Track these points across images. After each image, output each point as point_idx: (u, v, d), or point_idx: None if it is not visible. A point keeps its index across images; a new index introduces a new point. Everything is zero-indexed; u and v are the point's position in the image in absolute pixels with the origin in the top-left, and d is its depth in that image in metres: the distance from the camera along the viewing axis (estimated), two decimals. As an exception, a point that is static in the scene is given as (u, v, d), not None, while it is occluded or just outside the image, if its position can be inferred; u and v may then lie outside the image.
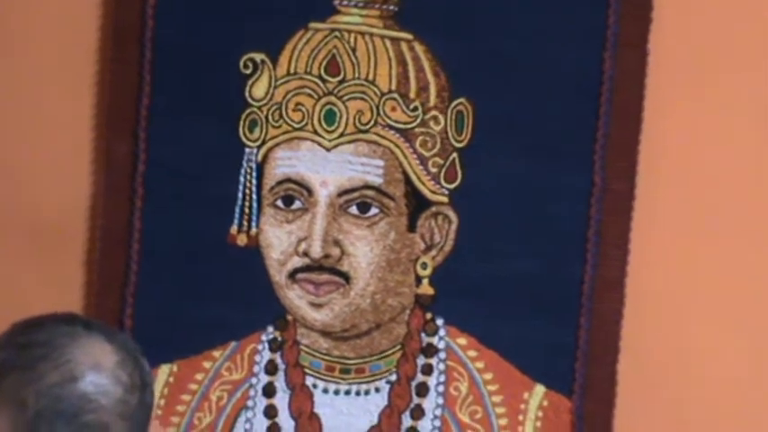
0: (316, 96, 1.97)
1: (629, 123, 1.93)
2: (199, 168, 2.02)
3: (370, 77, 1.96)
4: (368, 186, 1.98)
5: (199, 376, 2.03)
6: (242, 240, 2.00)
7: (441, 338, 2.01)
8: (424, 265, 1.99)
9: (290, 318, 2.01)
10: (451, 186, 1.96)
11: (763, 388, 2.03)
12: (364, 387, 2.03)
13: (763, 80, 1.97)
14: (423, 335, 2.01)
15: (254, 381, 2.03)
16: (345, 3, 1.95)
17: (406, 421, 2.00)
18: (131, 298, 2.00)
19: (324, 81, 1.97)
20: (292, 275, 2.00)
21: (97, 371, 1.30)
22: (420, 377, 2.00)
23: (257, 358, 2.04)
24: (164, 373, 2.00)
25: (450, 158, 1.96)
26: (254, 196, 2.01)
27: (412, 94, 1.96)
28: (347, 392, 2.03)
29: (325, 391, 2.01)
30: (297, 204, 1.99)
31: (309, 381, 2.02)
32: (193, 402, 2.04)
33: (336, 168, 1.99)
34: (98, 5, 1.99)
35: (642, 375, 2.00)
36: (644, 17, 1.90)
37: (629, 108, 1.94)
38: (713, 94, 1.98)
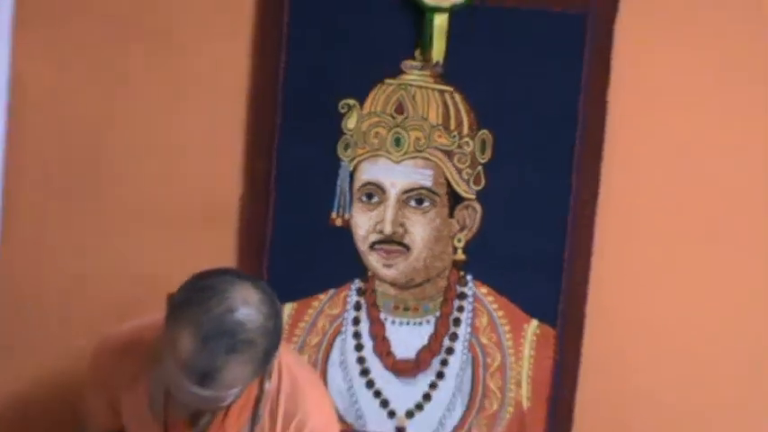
0: (388, 128, 2.48)
1: (595, 145, 2.45)
2: (311, 176, 2.51)
3: (425, 115, 2.47)
4: (422, 187, 2.48)
5: (310, 311, 2.54)
6: (339, 222, 2.50)
7: (469, 288, 2.52)
8: (459, 240, 2.50)
9: (370, 274, 2.52)
10: (478, 188, 2.47)
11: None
12: (418, 320, 2.54)
13: (684, 120, 2.46)
14: (457, 286, 2.52)
15: (346, 315, 2.54)
16: (409, 66, 2.46)
17: (446, 343, 2.52)
18: (267, 262, 2.51)
19: (393, 117, 2.47)
20: (372, 246, 2.51)
21: (247, 305, 1.81)
22: (455, 314, 2.52)
23: (348, 300, 2.54)
24: (288, 309, 2.51)
25: (477, 170, 2.47)
26: (347, 194, 2.50)
27: (452, 127, 2.46)
28: (407, 323, 2.54)
29: (393, 322, 2.53)
30: (375, 199, 2.49)
31: (382, 315, 2.54)
32: (306, 328, 2.55)
33: (401, 175, 2.49)
34: (247, 66, 2.48)
35: (604, 314, 2.49)
36: (605, 77, 2.42)
37: (596, 135, 2.45)
38: (654, 128, 2.47)
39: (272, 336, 1.86)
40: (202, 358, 1.77)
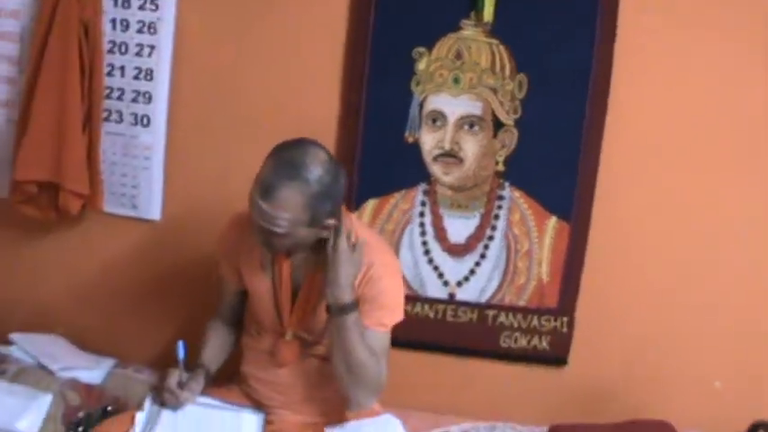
0: (449, 70, 2.80)
1: (604, 84, 2.77)
2: (391, 104, 2.82)
3: (477, 61, 2.78)
4: (474, 115, 2.81)
5: (388, 206, 2.90)
6: (410, 140, 2.85)
7: (506, 192, 2.87)
8: (500, 155, 2.84)
9: (433, 179, 2.85)
10: (515, 117, 2.81)
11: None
12: (468, 215, 2.89)
13: (672, 61, 2.78)
14: (497, 190, 2.86)
15: (415, 209, 2.89)
16: (466, 24, 2.78)
17: (488, 232, 2.90)
18: (358, 168, 2.85)
19: (453, 62, 2.78)
20: (435, 158, 2.85)
21: (316, 159, 2.18)
22: (495, 211, 2.88)
23: (416, 198, 2.88)
24: (370, 204, 2.88)
25: (515, 103, 2.81)
26: (417, 119, 2.82)
27: (497, 70, 2.78)
28: (459, 217, 2.90)
29: (449, 216, 2.89)
30: (438, 123, 2.82)
31: (441, 210, 2.89)
32: (384, 218, 2.91)
33: (458, 106, 2.80)
34: (345, 23, 2.81)
35: (606, 214, 2.86)
36: (612, 34, 2.75)
37: (604, 76, 2.77)
38: (648, 70, 2.79)
39: (325, 187, 2.18)
40: (270, 176, 2.13)
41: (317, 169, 2.14)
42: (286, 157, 2.15)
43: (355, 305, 2.27)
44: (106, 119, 3.01)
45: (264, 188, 2.13)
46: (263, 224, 2.19)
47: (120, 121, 3.03)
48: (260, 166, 2.19)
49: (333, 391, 2.41)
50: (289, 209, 2.14)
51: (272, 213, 2.15)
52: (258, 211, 2.16)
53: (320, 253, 2.29)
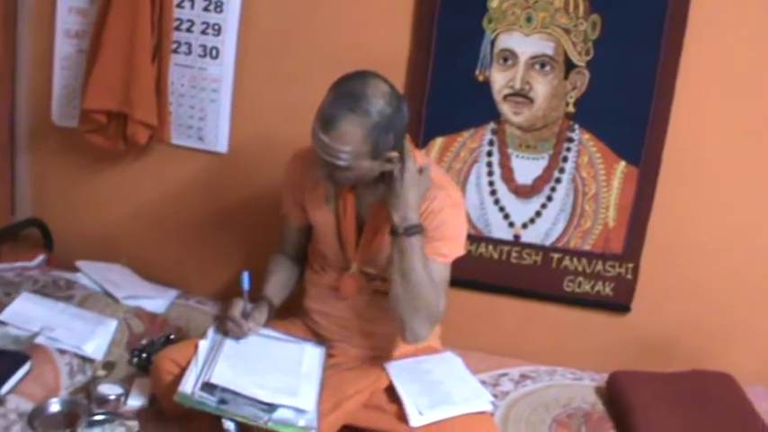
0: (522, 8, 2.81)
1: (678, 28, 2.73)
2: (462, 42, 2.82)
3: (550, 0, 2.79)
4: (545, 55, 2.83)
5: (456, 144, 2.94)
6: (481, 78, 2.87)
7: (576, 134, 2.88)
8: (570, 97, 2.84)
9: (502, 119, 2.89)
10: (588, 58, 2.81)
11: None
12: (536, 156, 2.93)
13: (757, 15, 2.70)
14: (567, 132, 2.87)
15: (482, 148, 2.94)
16: None
17: (555, 174, 2.92)
18: (427, 105, 2.89)
19: (526, 0, 2.80)
20: (505, 97, 2.87)
21: (377, 90, 2.18)
22: (564, 153, 2.90)
23: (485, 137, 2.92)
24: (439, 142, 2.93)
25: (588, 44, 2.80)
26: (488, 57, 2.84)
27: (570, 10, 2.78)
28: (527, 158, 2.93)
29: (517, 156, 2.93)
30: (509, 62, 2.84)
31: (509, 150, 2.92)
32: (452, 156, 2.96)
33: (530, 45, 2.82)
34: None
35: (676, 158, 2.83)
36: None
37: (679, 20, 2.73)
38: (729, 17, 2.72)
39: (386, 118, 2.17)
40: (330, 108, 2.15)
41: (377, 101, 2.14)
42: (346, 89, 2.15)
43: (421, 228, 2.26)
44: (175, 50, 3.04)
45: (325, 120, 2.14)
46: (325, 157, 2.20)
47: (189, 52, 3.05)
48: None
49: (392, 328, 2.41)
50: (349, 141, 2.15)
51: (333, 146, 2.16)
52: (320, 143, 2.18)
53: (384, 186, 2.29)
